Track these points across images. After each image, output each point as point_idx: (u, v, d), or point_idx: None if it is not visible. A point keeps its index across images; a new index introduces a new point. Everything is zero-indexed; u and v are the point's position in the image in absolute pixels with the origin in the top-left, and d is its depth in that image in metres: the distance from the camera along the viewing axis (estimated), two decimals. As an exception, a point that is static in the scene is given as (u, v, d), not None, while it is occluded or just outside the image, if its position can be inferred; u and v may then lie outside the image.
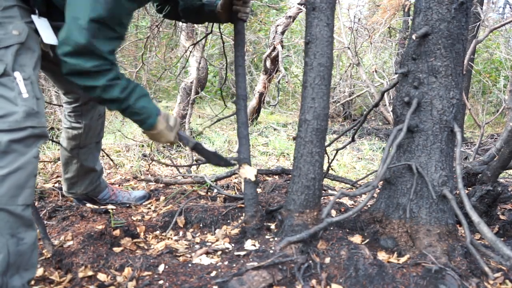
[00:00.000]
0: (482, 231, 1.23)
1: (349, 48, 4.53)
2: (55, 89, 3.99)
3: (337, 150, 2.22)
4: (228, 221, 1.78)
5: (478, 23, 3.82)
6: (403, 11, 7.14)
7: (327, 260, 1.34)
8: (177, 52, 4.59)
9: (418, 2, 1.44)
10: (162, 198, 2.09)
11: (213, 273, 1.28)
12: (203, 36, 3.02)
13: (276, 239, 1.46)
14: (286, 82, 4.86)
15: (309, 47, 1.42)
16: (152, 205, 2.01)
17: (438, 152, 1.46)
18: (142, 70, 4.18)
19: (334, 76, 7.13)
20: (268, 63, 5.36)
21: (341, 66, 8.34)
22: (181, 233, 1.73)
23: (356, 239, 1.51)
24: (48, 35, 1.28)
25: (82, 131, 1.75)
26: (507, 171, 3.01)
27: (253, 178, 1.57)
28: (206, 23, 2.22)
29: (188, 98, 4.09)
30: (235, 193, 2.30)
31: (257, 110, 5.87)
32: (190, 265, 1.37)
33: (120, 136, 3.80)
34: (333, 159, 2.32)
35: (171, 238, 1.68)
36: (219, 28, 2.07)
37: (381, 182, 1.66)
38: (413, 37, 1.42)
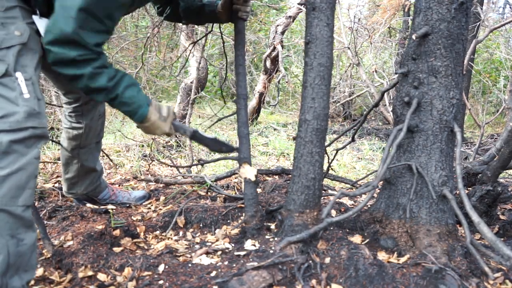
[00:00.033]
0: (482, 231, 1.23)
1: (349, 48, 4.53)
2: (55, 90, 3.99)
3: (337, 150, 2.22)
4: (228, 221, 1.78)
5: (478, 23, 3.81)
6: (403, 11, 7.14)
7: (327, 260, 1.34)
8: (177, 52, 4.59)
9: (418, 2, 1.44)
10: (162, 198, 2.09)
11: (213, 273, 1.28)
12: (203, 35, 3.02)
13: (276, 239, 1.46)
14: (286, 82, 4.86)
15: (309, 47, 1.42)
16: (152, 205, 2.01)
17: (438, 152, 1.46)
18: (142, 70, 4.18)
19: (334, 76, 7.13)
20: (268, 63, 5.36)
21: (341, 66, 8.34)
22: (181, 233, 1.73)
23: (356, 239, 1.51)
24: None
25: (82, 131, 1.75)
26: (507, 171, 3.01)
27: (253, 178, 1.57)
28: (206, 23, 2.21)
29: (188, 98, 4.09)
30: (235, 193, 2.30)
31: (257, 110, 5.87)
32: (190, 265, 1.37)
33: (120, 136, 3.80)
34: (333, 159, 2.32)
35: (171, 238, 1.68)
36: (219, 28, 2.07)
37: (381, 182, 1.66)
38: (413, 37, 1.42)
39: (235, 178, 2.50)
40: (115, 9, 1.23)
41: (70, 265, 1.36)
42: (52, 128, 3.82)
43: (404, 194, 1.52)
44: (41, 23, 1.25)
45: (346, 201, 2.10)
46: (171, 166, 2.87)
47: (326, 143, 1.65)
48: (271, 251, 1.35)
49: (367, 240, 1.53)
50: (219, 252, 1.48)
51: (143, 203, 2.04)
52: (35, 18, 1.24)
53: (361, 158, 4.12)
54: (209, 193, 2.17)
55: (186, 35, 4.53)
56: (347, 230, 1.59)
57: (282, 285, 1.22)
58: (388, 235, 1.52)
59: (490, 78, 7.95)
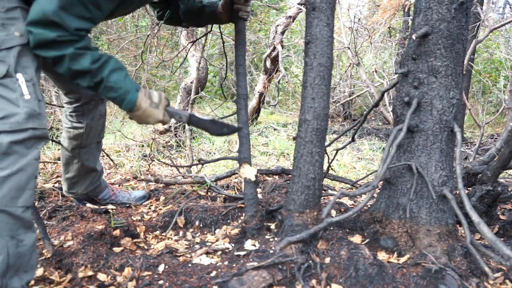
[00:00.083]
0: (482, 231, 1.23)
1: (349, 48, 4.53)
2: (55, 89, 3.99)
3: (337, 150, 2.22)
4: (228, 221, 1.78)
5: (478, 23, 3.81)
6: (403, 11, 7.14)
7: (327, 260, 1.34)
8: (178, 52, 4.59)
9: (418, 2, 1.44)
10: (162, 198, 2.09)
11: (213, 273, 1.28)
12: (203, 34, 3.02)
13: (276, 239, 1.46)
14: (286, 82, 4.86)
15: (309, 47, 1.42)
16: (152, 205, 2.01)
17: (438, 152, 1.46)
18: (142, 70, 4.18)
19: (334, 76, 7.13)
20: (268, 63, 5.36)
21: (341, 66, 8.34)
22: (181, 233, 1.73)
23: (356, 239, 1.51)
24: None
25: (83, 131, 1.75)
26: (507, 171, 3.01)
27: (253, 178, 1.57)
28: (207, 25, 2.20)
29: (188, 98, 4.09)
30: (235, 193, 2.30)
31: (257, 110, 5.87)
32: (190, 265, 1.37)
33: (120, 136, 3.80)
34: (333, 159, 2.32)
35: (171, 238, 1.68)
36: (219, 28, 2.07)
37: (381, 182, 1.66)
38: (413, 37, 1.42)
39: (235, 178, 2.50)
40: None
41: (70, 265, 1.36)
42: (52, 128, 3.82)
43: (404, 194, 1.52)
44: None
45: (346, 201, 2.10)
46: (171, 166, 2.87)
47: (326, 143, 1.65)
48: (271, 251, 1.35)
49: (367, 240, 1.53)
50: (219, 252, 1.48)
51: (143, 203, 2.04)
52: None
53: (361, 158, 4.12)
54: (209, 193, 2.17)
55: (186, 35, 4.53)
56: (347, 230, 1.59)
57: (282, 285, 1.22)
58: (388, 235, 1.52)
59: (490, 78, 7.95)
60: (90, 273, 1.32)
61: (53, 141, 3.16)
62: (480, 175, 2.17)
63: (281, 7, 8.04)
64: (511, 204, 2.16)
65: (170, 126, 4.26)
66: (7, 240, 1.06)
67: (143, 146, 3.69)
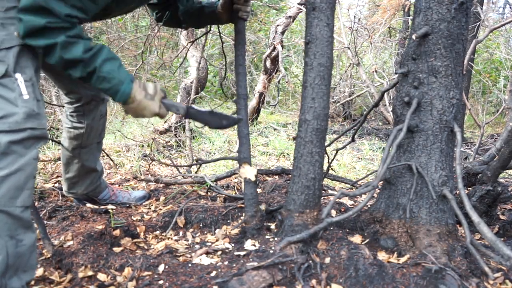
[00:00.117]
0: (482, 231, 1.23)
1: (349, 48, 4.53)
2: (55, 89, 4.00)
3: (337, 150, 2.22)
4: (228, 221, 1.78)
5: (478, 23, 3.81)
6: (403, 11, 7.14)
7: (327, 260, 1.34)
8: (177, 52, 4.60)
9: (418, 2, 1.44)
10: (162, 198, 2.09)
11: (213, 273, 1.28)
12: (202, 34, 3.02)
13: (276, 239, 1.46)
14: (286, 82, 4.86)
15: (309, 47, 1.42)
16: (152, 205, 2.01)
17: (438, 152, 1.46)
18: (142, 70, 4.18)
19: (334, 76, 7.13)
20: (268, 63, 5.36)
21: (341, 66, 8.34)
22: (181, 233, 1.73)
23: (356, 239, 1.51)
24: None
25: (84, 131, 1.75)
26: (507, 171, 3.01)
27: (253, 178, 1.57)
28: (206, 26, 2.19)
29: (188, 98, 4.09)
30: (235, 193, 2.30)
31: (257, 110, 5.87)
32: (190, 265, 1.37)
33: (120, 136, 3.80)
34: (333, 159, 2.32)
35: (171, 238, 1.68)
36: (218, 28, 2.07)
37: (381, 182, 1.66)
38: (413, 37, 1.42)
39: (235, 178, 2.50)
40: None
41: (70, 265, 1.36)
42: (52, 128, 3.82)
43: (404, 194, 1.52)
44: None
45: (346, 201, 2.10)
46: (170, 166, 2.87)
47: (326, 143, 1.64)
48: (271, 251, 1.35)
49: (367, 240, 1.53)
50: (219, 252, 1.48)
51: (143, 203, 2.04)
52: None
53: (361, 158, 4.12)
54: (209, 193, 2.17)
55: (186, 35, 4.53)
56: (347, 230, 1.59)
57: (282, 285, 1.22)
58: (388, 235, 1.52)
59: (490, 78, 7.95)
60: (90, 273, 1.32)
61: (53, 141, 3.16)
62: (480, 175, 2.17)
63: (281, 7, 8.04)
64: (511, 204, 2.16)
65: (170, 126, 4.26)
66: (6, 240, 1.05)
67: (143, 146, 3.69)
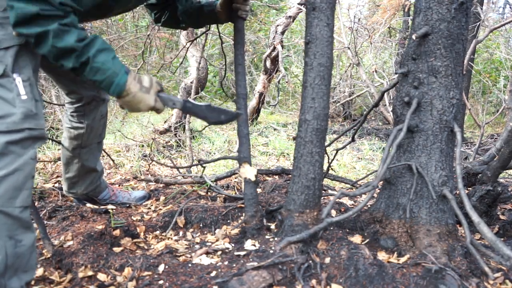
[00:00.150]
0: (482, 231, 1.23)
1: (349, 48, 4.53)
2: (55, 89, 3.99)
3: (337, 150, 2.22)
4: (228, 221, 1.78)
5: (478, 23, 3.82)
6: (403, 11, 7.15)
7: (327, 260, 1.34)
8: (177, 52, 4.60)
9: (418, 2, 1.44)
10: (162, 198, 2.09)
11: (213, 273, 1.28)
12: (202, 33, 3.02)
13: (276, 239, 1.46)
14: (286, 82, 4.86)
15: (309, 47, 1.42)
16: (152, 205, 2.01)
17: (438, 152, 1.46)
18: (142, 70, 4.18)
19: (334, 76, 7.14)
20: (268, 63, 5.36)
21: (341, 66, 8.34)
22: (181, 233, 1.73)
23: (356, 239, 1.51)
24: None
25: (84, 131, 1.75)
26: (507, 171, 3.01)
27: (253, 178, 1.57)
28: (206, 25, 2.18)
29: (188, 98, 4.09)
30: (235, 193, 2.30)
31: (257, 110, 5.87)
32: (190, 265, 1.37)
33: (120, 136, 3.81)
34: (333, 159, 2.32)
35: (171, 238, 1.68)
36: (217, 27, 2.07)
37: (381, 182, 1.66)
38: (413, 37, 1.42)
39: (235, 178, 2.50)
40: None
41: (70, 265, 1.36)
42: (51, 128, 3.82)
43: (404, 194, 1.52)
44: None
45: (346, 201, 2.10)
46: (170, 167, 2.87)
47: (326, 143, 1.64)
48: (271, 251, 1.35)
49: (367, 240, 1.53)
50: (219, 252, 1.48)
51: (143, 203, 2.04)
52: None
53: (361, 158, 4.12)
54: (209, 193, 2.17)
55: (185, 34, 4.53)
56: (347, 230, 1.59)
57: (282, 285, 1.22)
58: (388, 235, 1.52)
59: (490, 78, 7.96)
60: (90, 273, 1.32)
61: (53, 141, 3.16)
62: (480, 175, 2.17)
63: (281, 7, 8.05)
64: (511, 204, 2.16)
65: (170, 126, 4.26)
66: (5, 240, 1.05)
67: (143, 146, 3.69)
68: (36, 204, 1.90)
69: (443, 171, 1.47)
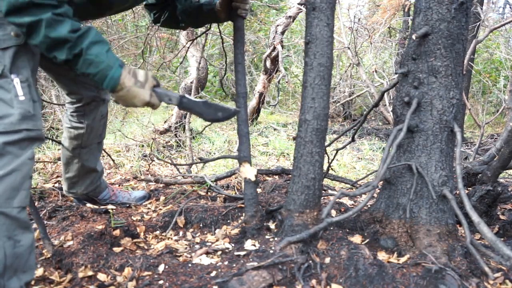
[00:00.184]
0: (482, 231, 1.23)
1: (349, 48, 4.53)
2: (55, 89, 4.00)
3: (337, 150, 2.22)
4: (228, 221, 1.78)
5: (478, 23, 3.82)
6: (403, 11, 7.15)
7: (327, 260, 1.34)
8: (177, 52, 4.60)
9: (418, 2, 1.44)
10: (162, 198, 2.09)
11: (213, 273, 1.28)
12: (202, 33, 3.02)
13: (276, 239, 1.46)
14: (286, 82, 4.86)
15: (309, 47, 1.42)
16: (152, 205, 2.01)
17: (438, 152, 1.46)
18: (143, 69, 4.19)
19: (334, 76, 7.14)
20: (268, 63, 5.36)
21: (341, 66, 8.34)
22: (181, 233, 1.73)
23: (356, 239, 1.51)
24: None
25: (84, 131, 1.75)
26: (507, 171, 3.01)
27: (253, 178, 1.57)
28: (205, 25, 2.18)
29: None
30: (235, 193, 2.30)
31: (257, 110, 5.87)
32: (190, 265, 1.37)
33: (120, 136, 3.81)
34: (333, 159, 2.32)
35: (171, 238, 1.68)
36: (218, 26, 2.07)
37: (381, 182, 1.66)
38: (413, 37, 1.42)
39: (235, 178, 2.50)
40: None
41: (70, 265, 1.36)
42: (51, 128, 3.82)
43: (404, 194, 1.52)
44: None
45: (346, 201, 2.10)
46: (170, 164, 2.87)
47: (326, 143, 1.64)
48: (271, 251, 1.35)
49: (367, 240, 1.53)
50: (219, 252, 1.48)
51: (143, 203, 2.04)
52: None
53: (361, 158, 4.12)
54: (209, 193, 2.17)
55: (185, 34, 4.53)
56: (347, 230, 1.59)
57: (282, 285, 1.22)
58: (388, 235, 1.52)
59: (490, 78, 7.96)
60: (90, 273, 1.32)
61: (53, 141, 3.16)
62: (480, 175, 2.17)
63: (281, 7, 8.05)
64: (511, 204, 2.16)
65: (170, 126, 4.26)
66: (4, 241, 1.05)
67: (143, 146, 3.69)
68: (36, 204, 1.90)
69: (443, 171, 1.47)
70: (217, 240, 1.62)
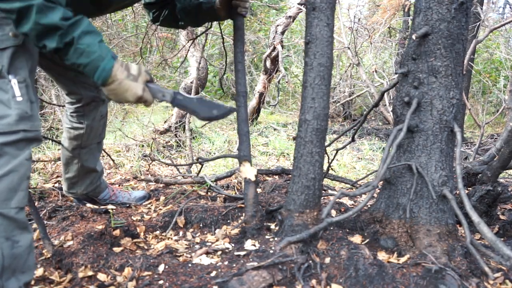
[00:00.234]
0: (482, 231, 1.23)
1: (349, 48, 4.53)
2: (55, 89, 4.00)
3: (337, 150, 2.22)
4: (228, 221, 1.78)
5: (478, 23, 3.82)
6: (403, 11, 7.15)
7: (327, 260, 1.34)
8: (177, 51, 4.61)
9: (418, 2, 1.44)
10: (162, 198, 2.09)
11: (213, 273, 1.28)
12: (202, 32, 3.02)
13: (276, 239, 1.46)
14: (286, 82, 4.87)
15: (309, 47, 1.42)
16: (152, 205, 2.01)
17: (438, 152, 1.46)
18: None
19: (334, 76, 7.14)
20: (268, 63, 5.36)
21: (341, 66, 8.34)
22: (181, 233, 1.73)
23: (356, 239, 1.51)
24: None
25: (84, 132, 1.74)
26: (507, 171, 3.01)
27: (253, 178, 1.57)
28: (205, 24, 2.17)
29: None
30: (235, 193, 2.30)
31: (257, 110, 5.88)
32: (190, 265, 1.37)
33: (120, 136, 3.81)
34: (333, 159, 2.32)
35: (171, 238, 1.68)
36: (219, 25, 2.07)
37: (381, 182, 1.65)
38: (413, 37, 1.42)
39: (235, 178, 2.50)
40: None
41: (70, 265, 1.36)
42: (51, 128, 3.82)
43: (404, 194, 1.52)
44: None
45: (346, 201, 2.10)
46: (170, 165, 2.87)
47: (326, 143, 1.64)
48: (271, 251, 1.35)
49: (367, 240, 1.53)
50: (219, 252, 1.48)
51: (143, 203, 2.04)
52: None
53: (361, 158, 4.12)
54: (209, 193, 2.17)
55: (185, 34, 4.54)
56: (347, 230, 1.59)
57: (282, 285, 1.22)
58: (388, 235, 1.52)
59: (490, 78, 7.96)
60: (90, 273, 1.32)
61: (53, 141, 3.16)
62: (480, 175, 2.17)
63: (281, 7, 8.05)
64: (511, 204, 2.16)
65: (170, 126, 4.26)
66: (1, 241, 1.05)
67: (143, 146, 3.69)
68: (36, 204, 1.90)
69: (443, 171, 1.47)
70: (217, 240, 1.62)
